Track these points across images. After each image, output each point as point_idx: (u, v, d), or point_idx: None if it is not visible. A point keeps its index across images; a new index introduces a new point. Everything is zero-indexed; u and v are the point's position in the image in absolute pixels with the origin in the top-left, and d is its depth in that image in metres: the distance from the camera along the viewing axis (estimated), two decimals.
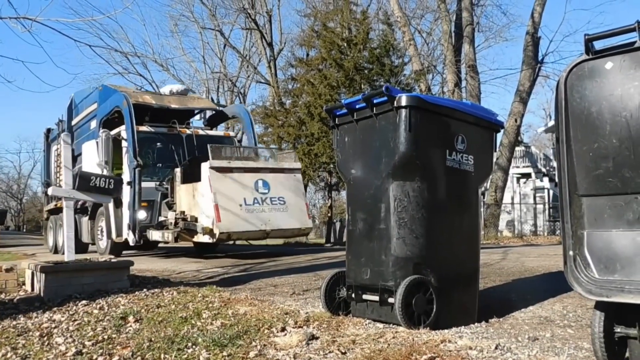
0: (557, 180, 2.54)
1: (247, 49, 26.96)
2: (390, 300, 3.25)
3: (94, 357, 3.03)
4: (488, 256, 7.43)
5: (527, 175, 27.26)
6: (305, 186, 14.63)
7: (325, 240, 17.56)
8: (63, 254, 5.26)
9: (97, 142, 9.43)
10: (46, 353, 3.15)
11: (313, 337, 3.08)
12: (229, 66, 29.23)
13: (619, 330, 2.38)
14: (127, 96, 9.30)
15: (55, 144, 12.86)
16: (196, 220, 8.20)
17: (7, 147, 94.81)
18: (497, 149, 16.48)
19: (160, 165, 9.68)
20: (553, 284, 4.64)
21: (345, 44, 17.83)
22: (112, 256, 8.79)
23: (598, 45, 2.40)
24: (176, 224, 8.34)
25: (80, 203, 10.06)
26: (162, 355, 2.97)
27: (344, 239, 3.86)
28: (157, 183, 9.28)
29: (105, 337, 3.39)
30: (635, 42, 2.25)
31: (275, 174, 8.67)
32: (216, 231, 7.78)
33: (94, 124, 10.63)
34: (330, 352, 2.83)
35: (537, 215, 24.36)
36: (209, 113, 11.91)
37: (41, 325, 3.72)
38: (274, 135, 18.09)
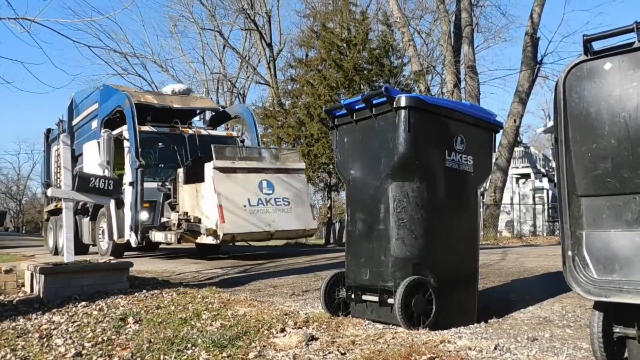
0: (556, 180, 2.54)
1: (246, 49, 26.99)
2: (390, 300, 3.25)
3: (94, 358, 3.03)
4: (487, 256, 7.43)
5: (526, 176, 27.27)
6: None
7: (325, 241, 17.56)
8: (63, 255, 5.26)
9: (98, 142, 9.34)
10: (45, 354, 3.14)
11: (312, 338, 3.08)
12: (229, 67, 29.27)
13: (617, 330, 2.38)
14: (129, 96, 9.23)
15: (55, 145, 12.82)
16: (199, 221, 8.13)
17: (6, 148, 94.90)
18: (496, 150, 16.50)
19: (163, 165, 9.61)
20: (552, 285, 4.65)
21: (345, 45, 17.84)
22: (112, 257, 8.78)
23: (597, 45, 2.40)
24: (179, 225, 8.27)
25: (80, 204, 10.02)
26: (162, 357, 2.97)
27: (344, 239, 3.86)
28: (160, 183, 9.21)
29: (105, 338, 3.39)
30: (633, 43, 2.26)
31: (280, 175, 8.60)
32: (220, 232, 7.71)
33: (95, 123, 10.56)
34: (329, 352, 2.83)
35: (536, 215, 24.36)
36: (209, 113, 11.87)
37: (40, 326, 3.72)
38: (274, 136, 18.09)
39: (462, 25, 18.07)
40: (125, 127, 9.19)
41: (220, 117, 11.91)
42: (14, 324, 3.80)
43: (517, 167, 26.93)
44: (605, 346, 2.35)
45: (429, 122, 3.35)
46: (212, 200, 7.88)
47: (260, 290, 5.11)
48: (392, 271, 3.29)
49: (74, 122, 12.12)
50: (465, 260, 3.58)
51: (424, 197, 3.32)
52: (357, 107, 3.59)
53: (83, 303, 4.29)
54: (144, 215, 8.66)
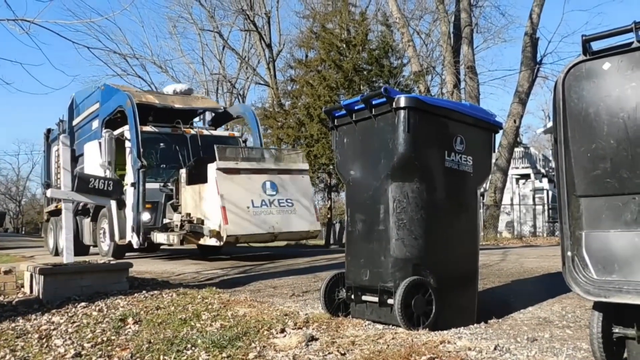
0: (555, 181, 2.54)
1: (246, 50, 26.98)
2: (390, 301, 3.25)
3: (93, 359, 3.03)
4: (487, 257, 7.44)
5: (526, 176, 27.28)
6: None
7: (325, 241, 17.55)
8: (63, 255, 5.25)
9: (99, 143, 9.29)
10: (45, 355, 3.14)
11: (312, 339, 3.08)
12: (228, 68, 29.24)
13: (617, 330, 2.38)
14: (130, 95, 9.16)
15: (55, 145, 12.77)
16: (202, 222, 8.07)
17: (5, 149, 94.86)
18: (496, 150, 16.48)
19: (164, 166, 9.55)
20: (552, 285, 4.65)
21: (344, 45, 17.85)
22: (112, 258, 8.74)
23: (596, 46, 2.40)
24: (182, 226, 8.20)
25: (81, 205, 9.99)
26: (162, 357, 2.97)
27: (344, 240, 3.86)
28: (161, 184, 9.14)
29: (105, 339, 3.39)
30: (632, 43, 2.26)
31: (283, 176, 8.54)
32: (223, 234, 7.65)
33: (96, 124, 10.50)
34: (329, 353, 2.83)
35: (536, 216, 24.36)
36: (209, 114, 11.82)
37: (40, 327, 3.72)
38: (273, 137, 18.09)
39: (461, 25, 18.08)
40: (126, 127, 9.12)
41: (222, 117, 11.83)
42: (13, 324, 3.80)
43: (517, 168, 26.94)
44: (604, 346, 2.35)
45: (428, 122, 3.35)
46: (215, 202, 7.82)
47: (260, 290, 5.11)
48: (391, 272, 3.29)
49: (74, 122, 12.06)
50: (465, 260, 3.58)
51: (424, 197, 3.32)
52: (356, 107, 3.59)
53: (82, 304, 4.29)
54: (145, 216, 8.59)
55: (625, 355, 2.43)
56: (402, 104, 3.27)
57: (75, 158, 11.29)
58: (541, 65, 17.86)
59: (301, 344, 3.00)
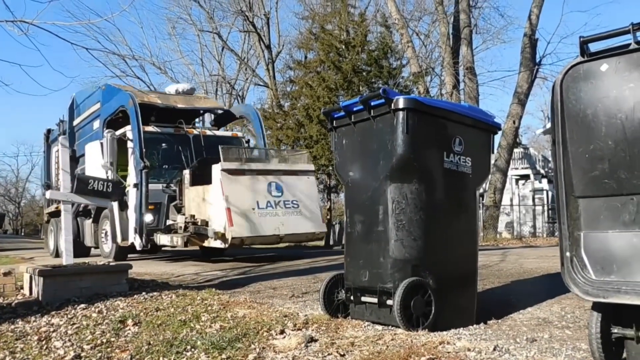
0: (553, 181, 2.55)
1: (245, 51, 26.97)
2: (389, 302, 3.26)
3: None
4: (487, 258, 7.44)
5: (525, 177, 27.29)
6: None
7: (325, 242, 17.56)
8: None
9: (101, 143, 9.18)
10: (44, 357, 3.14)
11: (312, 340, 3.09)
12: (227, 69, 29.20)
13: (616, 331, 2.39)
14: (133, 95, 9.06)
15: (55, 145, 12.67)
16: (207, 224, 7.95)
17: (4, 151, 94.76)
18: (496, 151, 16.51)
19: (167, 166, 9.46)
20: (551, 286, 4.65)
21: (344, 47, 17.86)
22: (111, 260, 8.70)
23: (594, 47, 2.41)
24: (186, 228, 8.08)
25: (82, 206, 9.94)
26: (161, 359, 2.98)
27: (343, 241, 3.86)
28: (164, 185, 9.04)
29: (104, 340, 3.39)
30: (630, 44, 2.27)
31: (289, 177, 8.42)
32: (228, 236, 7.54)
33: (97, 124, 10.39)
34: (329, 354, 2.84)
35: (536, 216, 24.36)
36: (209, 115, 11.75)
37: (39, 329, 3.72)
38: (273, 138, 18.10)
39: (460, 26, 18.10)
40: (128, 127, 9.01)
41: (224, 118, 11.72)
42: (12, 326, 3.80)
43: (516, 168, 26.95)
44: (603, 347, 2.36)
45: (427, 123, 3.35)
46: (220, 203, 7.71)
47: (259, 292, 5.11)
48: (391, 272, 3.30)
49: (75, 123, 11.94)
50: (464, 261, 3.58)
51: (423, 198, 3.32)
52: (355, 109, 3.59)
53: (82, 305, 4.29)
54: (148, 218, 8.49)
55: (624, 355, 2.44)
56: (401, 105, 3.27)
57: (76, 159, 11.23)
58: (540, 66, 17.90)
59: (300, 345, 3.00)
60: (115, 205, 8.85)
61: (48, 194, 6.20)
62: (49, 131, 14.06)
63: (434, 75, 22.23)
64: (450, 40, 18.32)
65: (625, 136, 2.26)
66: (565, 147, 2.44)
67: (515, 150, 23.35)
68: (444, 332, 3.18)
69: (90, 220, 10.37)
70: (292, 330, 3.32)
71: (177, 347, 3.14)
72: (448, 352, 2.71)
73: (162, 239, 8.46)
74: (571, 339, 3.02)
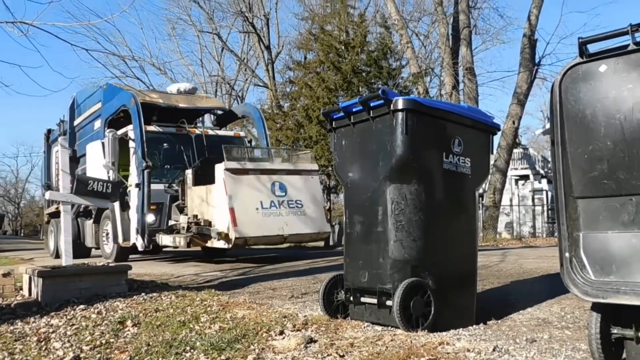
0: (553, 182, 2.55)
1: (244, 52, 26.99)
2: (388, 302, 3.26)
3: None
4: (486, 258, 7.44)
5: (525, 177, 27.29)
6: None
7: (324, 243, 17.55)
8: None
9: (102, 143, 9.09)
10: (44, 358, 3.14)
11: (311, 341, 3.09)
12: (227, 69, 29.23)
13: (615, 331, 2.39)
14: (134, 94, 8.99)
15: (55, 146, 12.59)
16: (210, 224, 7.85)
17: (4, 151, 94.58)
18: (495, 151, 16.51)
19: (169, 166, 9.37)
20: (551, 286, 4.65)
21: (343, 47, 17.89)
22: (110, 261, 8.65)
23: (592, 48, 2.41)
24: (189, 228, 7.97)
25: (83, 206, 9.87)
26: None
27: (342, 241, 3.86)
28: (166, 185, 8.95)
29: (103, 341, 3.39)
30: (628, 45, 2.27)
31: (292, 176, 8.31)
32: (232, 236, 7.45)
33: (98, 123, 10.32)
34: (328, 355, 2.84)
35: (535, 217, 24.36)
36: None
37: (39, 330, 3.72)
38: (272, 139, 18.11)
39: (460, 27, 18.11)
40: (130, 127, 8.92)
41: (227, 117, 11.64)
42: (12, 327, 3.80)
43: (516, 169, 26.95)
44: (603, 347, 2.36)
45: (426, 124, 3.36)
46: (223, 203, 7.62)
47: (259, 292, 5.11)
48: (390, 273, 3.30)
49: (75, 123, 11.87)
50: (464, 261, 3.58)
51: (422, 199, 3.32)
52: (354, 109, 3.59)
53: (81, 306, 4.28)
54: (150, 218, 8.39)
55: (624, 355, 2.44)
56: (400, 106, 3.27)
57: (77, 159, 11.16)
58: (540, 66, 17.92)
59: (300, 346, 3.00)
60: (116, 205, 8.77)
61: (47, 195, 6.17)
62: (49, 131, 13.96)
63: (434, 76, 22.28)
64: (450, 40, 18.34)
65: (624, 137, 2.26)
66: (564, 147, 2.44)
67: (515, 150, 23.36)
68: (444, 333, 3.18)
69: (91, 220, 10.29)
70: (292, 331, 3.32)
71: (176, 348, 3.14)
72: (447, 353, 2.71)
73: (165, 240, 8.37)
74: (571, 340, 3.02)
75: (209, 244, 8.09)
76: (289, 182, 8.23)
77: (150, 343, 3.27)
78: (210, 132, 10.24)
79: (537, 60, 17.64)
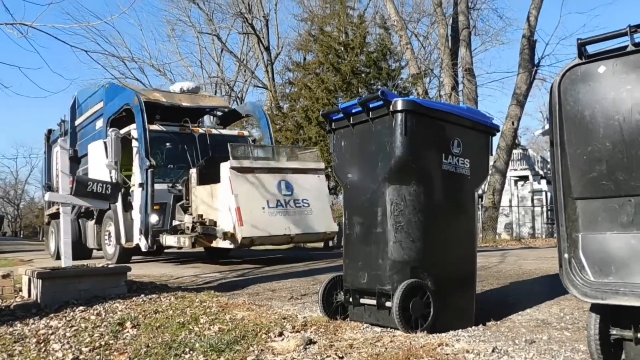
0: (552, 183, 2.55)
1: (244, 53, 27.00)
2: (388, 304, 3.26)
3: None
4: (486, 259, 7.44)
5: (524, 178, 27.30)
6: None
7: (324, 244, 17.56)
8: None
9: (105, 142, 8.99)
10: (43, 359, 3.14)
11: (311, 342, 3.08)
12: (226, 70, 29.23)
13: (614, 332, 2.39)
14: (138, 93, 8.89)
15: (56, 146, 12.53)
16: (215, 224, 7.72)
17: (4, 153, 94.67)
18: (495, 152, 16.52)
19: (172, 166, 9.23)
20: (550, 287, 4.65)
21: (342, 48, 17.91)
22: (111, 262, 8.60)
23: (591, 49, 2.42)
24: (194, 228, 7.80)
25: (84, 207, 9.80)
26: None
27: (342, 243, 3.86)
28: (170, 185, 8.80)
29: (103, 343, 3.39)
30: (627, 46, 2.27)
31: (299, 175, 8.17)
32: (238, 236, 7.32)
33: (100, 123, 10.19)
34: (327, 356, 2.84)
35: (535, 217, 24.37)
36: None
37: (38, 331, 3.72)
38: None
39: (459, 28, 18.13)
40: (133, 126, 8.79)
41: (231, 116, 11.55)
42: (11, 329, 3.80)
43: (515, 170, 26.96)
44: (602, 348, 2.36)
45: (425, 125, 3.36)
46: (229, 202, 7.48)
47: (258, 294, 5.11)
48: (389, 274, 3.30)
49: (77, 122, 11.74)
50: (463, 262, 3.58)
51: (421, 200, 3.32)
52: (354, 110, 3.60)
53: (81, 308, 4.28)
54: (154, 218, 8.26)
55: (623, 356, 2.44)
56: (399, 107, 3.27)
57: (78, 159, 11.09)
58: (539, 67, 17.93)
59: (299, 348, 3.00)
60: (119, 206, 8.72)
61: (47, 196, 6.12)
62: (49, 131, 13.84)
63: (433, 77, 22.28)
64: (449, 41, 18.35)
65: (623, 138, 2.27)
66: (563, 148, 2.44)
67: (514, 151, 23.37)
68: (443, 334, 3.18)
69: (93, 221, 10.18)
70: (291, 332, 3.32)
71: (175, 349, 3.14)
72: (447, 354, 2.71)
73: (169, 240, 8.23)
74: (570, 341, 3.02)
75: (214, 244, 7.97)
76: (295, 181, 8.09)
77: (150, 344, 3.27)
78: (214, 131, 10.09)
79: (536, 61, 17.66)
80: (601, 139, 2.32)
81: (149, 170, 8.14)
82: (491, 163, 14.09)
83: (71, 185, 5.26)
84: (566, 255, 2.41)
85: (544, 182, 26.27)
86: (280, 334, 3.28)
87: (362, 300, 3.50)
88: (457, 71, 18.67)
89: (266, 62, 22.85)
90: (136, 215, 8.50)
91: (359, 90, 17.16)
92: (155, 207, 8.31)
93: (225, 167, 7.66)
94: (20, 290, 5.19)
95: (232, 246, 7.67)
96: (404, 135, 3.25)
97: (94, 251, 10.84)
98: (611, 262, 2.29)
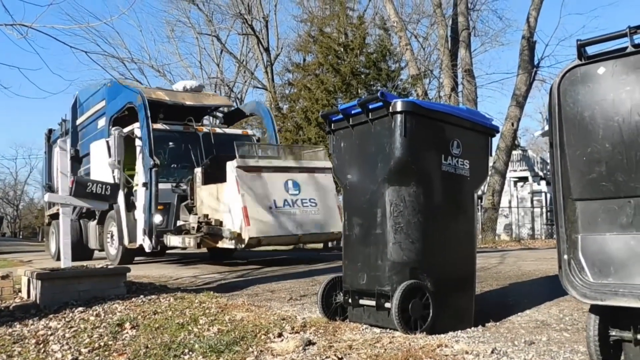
0: (551, 184, 2.55)
1: (243, 54, 27.00)
2: (387, 305, 3.26)
3: None
4: (485, 260, 7.44)
5: (524, 179, 27.32)
6: None
7: (323, 245, 17.56)
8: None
9: (107, 141, 8.87)
10: None
11: (310, 343, 3.08)
12: (226, 71, 29.23)
13: (613, 333, 2.39)
14: (141, 92, 8.79)
15: (57, 146, 12.46)
16: (221, 224, 7.59)
17: (3, 153, 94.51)
18: (494, 153, 16.52)
19: (176, 165, 9.14)
20: (550, 288, 4.65)
21: (342, 49, 17.92)
22: (114, 263, 8.52)
23: (591, 50, 2.42)
24: (199, 228, 7.67)
25: (85, 207, 9.74)
26: None
27: (341, 244, 3.86)
28: (174, 184, 8.72)
29: (102, 343, 3.38)
30: (627, 48, 2.27)
31: (306, 174, 8.04)
32: (245, 236, 7.18)
33: (102, 122, 10.08)
34: (327, 357, 2.83)
35: (534, 218, 24.38)
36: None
37: (37, 332, 3.71)
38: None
39: (459, 29, 18.14)
40: (136, 124, 8.69)
41: (233, 115, 11.45)
42: (10, 329, 3.80)
43: (515, 171, 26.98)
44: (601, 349, 2.36)
45: (425, 126, 3.36)
46: (235, 202, 7.35)
47: (258, 294, 5.10)
48: (389, 275, 3.30)
49: (78, 122, 11.62)
50: (463, 263, 3.58)
51: (421, 201, 3.32)
52: (353, 112, 3.60)
53: (80, 308, 4.28)
54: (158, 218, 8.15)
55: (622, 358, 2.44)
56: (399, 108, 3.28)
57: (79, 158, 11.02)
58: (538, 68, 17.93)
59: (298, 349, 3.00)
60: (122, 206, 8.66)
61: (46, 197, 6.09)
62: (50, 131, 13.74)
63: (433, 78, 22.30)
64: (449, 42, 18.37)
65: (623, 139, 2.27)
66: (562, 149, 2.44)
67: (514, 152, 23.39)
68: (442, 335, 3.18)
69: (95, 222, 10.06)
70: (290, 333, 3.32)
71: (174, 350, 3.13)
72: (446, 355, 2.71)
73: (173, 241, 8.11)
74: (569, 342, 3.02)
75: (220, 245, 7.83)
76: (302, 180, 7.96)
77: (149, 345, 3.26)
78: (218, 130, 9.98)
79: (536, 62, 17.67)
80: (601, 140, 2.32)
81: (152, 170, 8.01)
82: (491, 164, 14.11)
83: (71, 185, 5.26)
84: (565, 257, 2.41)
85: (543, 183, 26.29)
86: (280, 335, 3.28)
87: (361, 301, 3.50)
88: (457, 72, 18.68)
89: (266, 63, 22.86)
90: (139, 215, 8.39)
91: (359, 91, 17.17)
92: (159, 207, 8.19)
93: (231, 166, 7.54)
94: (20, 291, 5.19)
95: (239, 247, 7.52)
96: (404, 136, 3.25)
97: (96, 252, 10.74)
98: (610, 264, 2.29)
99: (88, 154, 10.31)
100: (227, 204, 7.62)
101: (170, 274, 7.44)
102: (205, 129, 9.68)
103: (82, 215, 10.62)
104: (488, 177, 11.65)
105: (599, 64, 2.36)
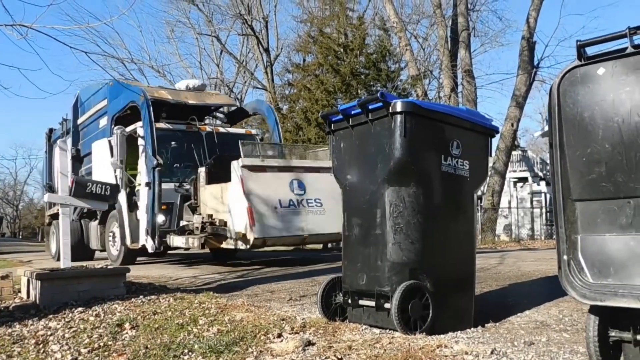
0: (551, 184, 2.55)
1: (243, 54, 27.00)
2: (387, 305, 3.26)
3: None
4: (485, 260, 7.44)
5: (524, 180, 27.32)
6: None
7: (323, 245, 17.55)
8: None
9: (109, 141, 8.84)
10: None
11: (309, 343, 3.08)
12: (226, 72, 29.22)
13: (613, 334, 2.39)
14: (144, 90, 8.73)
15: (57, 145, 12.38)
16: (225, 224, 7.50)
17: (3, 154, 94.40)
18: (494, 154, 16.52)
19: (179, 165, 9.05)
20: (549, 288, 4.65)
21: (342, 50, 17.92)
22: (115, 263, 8.49)
23: (590, 51, 2.42)
24: (203, 228, 7.58)
25: (86, 207, 9.70)
26: None
27: (341, 244, 3.86)
28: (177, 184, 8.63)
29: (101, 344, 3.38)
30: (626, 48, 2.27)
31: (311, 174, 7.92)
32: (250, 237, 7.09)
33: (103, 121, 10.02)
34: (326, 358, 2.83)
35: (534, 219, 24.38)
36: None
37: (37, 332, 3.71)
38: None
39: (458, 29, 18.14)
40: (138, 123, 8.61)
41: (237, 115, 11.39)
42: (10, 330, 3.79)
43: (514, 171, 26.98)
44: (601, 350, 2.36)
45: (424, 127, 3.36)
46: (240, 202, 7.25)
47: (257, 295, 5.10)
48: (388, 276, 3.30)
49: (79, 121, 11.55)
50: (462, 264, 3.58)
51: (420, 202, 3.32)
52: (353, 112, 3.60)
53: (79, 309, 4.27)
54: (160, 218, 8.06)
55: (622, 358, 2.44)
56: (399, 108, 3.28)
57: (81, 158, 10.97)
58: (538, 69, 17.93)
59: (298, 349, 3.00)
60: (124, 206, 8.62)
61: (46, 197, 6.08)
62: (51, 131, 13.68)
63: (432, 78, 22.31)
64: (449, 43, 18.37)
65: (622, 139, 2.27)
66: (562, 150, 2.44)
67: (514, 152, 23.39)
68: (442, 336, 3.18)
69: (96, 222, 9.98)
70: (290, 333, 3.31)
71: (174, 350, 3.13)
72: (446, 356, 2.71)
73: (176, 241, 8.02)
74: (569, 342, 3.02)
75: (224, 245, 7.75)
76: (308, 180, 7.87)
77: (148, 346, 3.26)
78: (222, 129, 9.92)
79: (535, 63, 17.67)
80: (600, 141, 2.32)
81: (155, 169, 7.95)
82: (490, 164, 14.10)
83: (70, 185, 5.25)
84: (565, 257, 2.41)
85: (543, 183, 26.29)
86: (279, 335, 3.28)
87: (361, 302, 3.50)
88: (457, 73, 18.69)
89: (265, 63, 22.87)
90: (142, 215, 8.31)
91: (359, 91, 17.18)
92: (162, 207, 8.12)
93: (236, 166, 7.44)
94: (19, 291, 5.19)
95: (244, 247, 7.44)
96: (403, 136, 3.26)
97: (97, 252, 10.68)
98: (610, 264, 2.29)
99: (89, 154, 10.27)
100: (231, 204, 7.52)
101: (170, 275, 7.43)
102: (208, 128, 9.59)
103: (83, 215, 10.57)
104: (488, 178, 11.66)
105: (599, 64, 2.36)
